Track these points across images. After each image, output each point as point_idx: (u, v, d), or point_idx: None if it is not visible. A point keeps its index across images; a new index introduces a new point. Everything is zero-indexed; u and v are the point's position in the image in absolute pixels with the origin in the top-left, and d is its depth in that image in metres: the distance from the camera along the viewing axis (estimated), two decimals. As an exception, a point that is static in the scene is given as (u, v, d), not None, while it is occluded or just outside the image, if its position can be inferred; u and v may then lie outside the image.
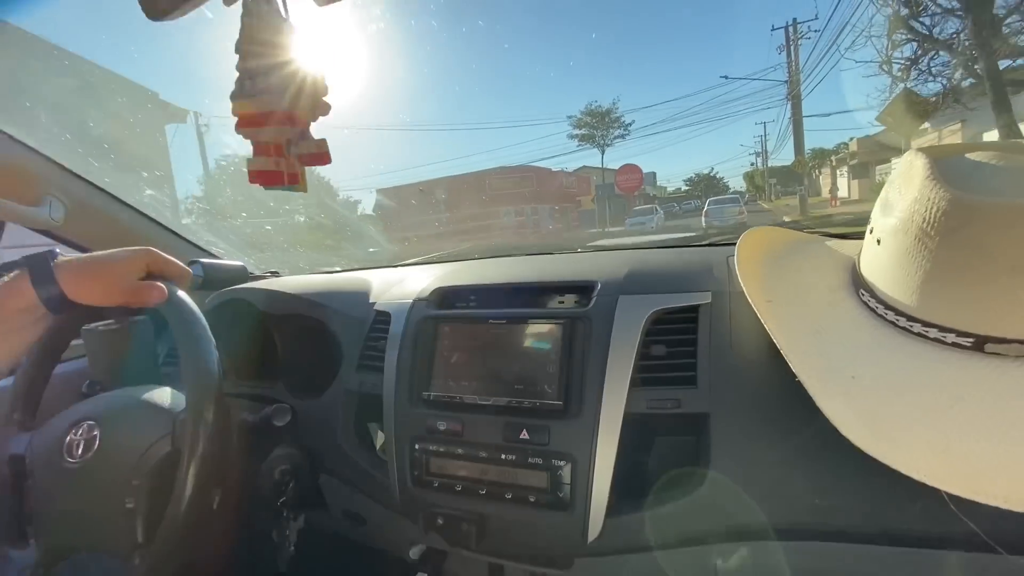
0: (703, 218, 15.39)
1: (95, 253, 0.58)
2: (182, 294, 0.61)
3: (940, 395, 0.44)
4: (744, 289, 0.56)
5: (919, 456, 0.42)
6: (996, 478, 0.39)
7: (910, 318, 0.49)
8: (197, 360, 0.57)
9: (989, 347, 0.45)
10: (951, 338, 0.46)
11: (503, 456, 0.63)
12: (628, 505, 0.58)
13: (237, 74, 0.47)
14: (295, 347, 0.92)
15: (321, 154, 0.50)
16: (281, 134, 0.48)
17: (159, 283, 0.59)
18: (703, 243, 0.91)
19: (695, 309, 0.63)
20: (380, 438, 0.81)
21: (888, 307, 0.51)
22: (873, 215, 0.56)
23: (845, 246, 0.68)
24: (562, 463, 0.59)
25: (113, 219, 0.98)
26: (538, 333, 0.67)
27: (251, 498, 0.79)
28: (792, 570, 0.56)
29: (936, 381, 0.45)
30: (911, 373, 0.47)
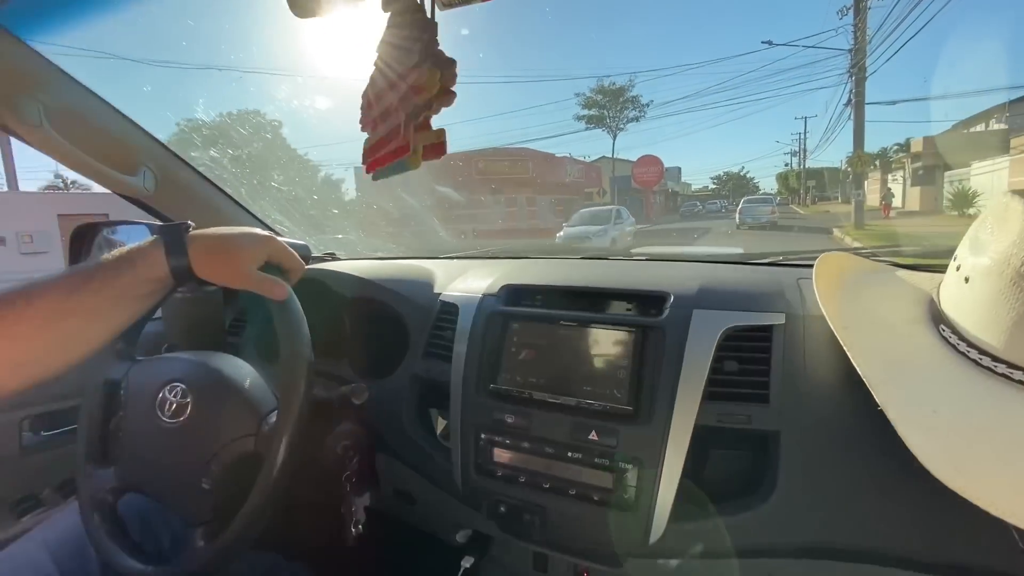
0: (737, 216, 16.27)
1: (224, 231, 0.61)
2: (298, 306, 0.64)
3: (1022, 436, 0.45)
4: (825, 315, 0.58)
5: (1000, 493, 0.43)
6: None
7: (995, 358, 0.50)
8: (294, 373, 0.61)
9: (1077, 394, 0.46)
10: (1038, 382, 0.47)
11: (569, 454, 0.65)
12: (691, 511, 0.61)
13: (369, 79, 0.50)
14: (363, 329, 0.96)
15: (440, 144, 0.52)
16: (404, 103, 0.49)
17: (281, 281, 0.62)
18: (766, 262, 0.92)
19: (769, 329, 0.65)
20: (441, 424, 0.84)
21: (972, 345, 0.52)
22: (960, 252, 0.57)
23: (918, 278, 0.68)
24: (629, 466, 0.62)
25: (196, 193, 1.03)
26: (610, 338, 0.69)
27: (313, 470, 0.83)
28: None
29: (1020, 422, 0.46)
30: (994, 412, 0.48)
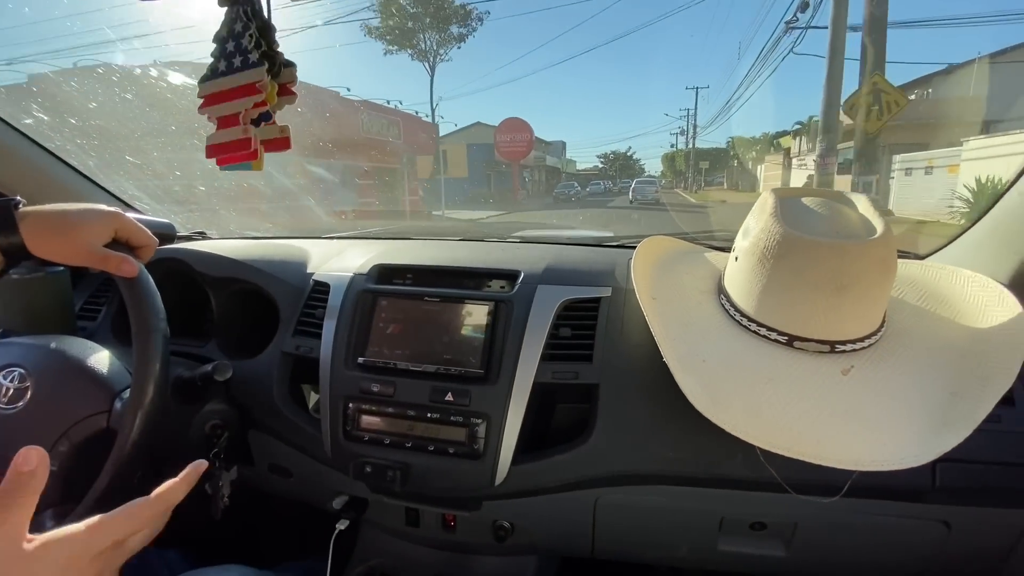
0: (631, 194, 19.92)
1: (63, 207, 0.59)
2: (150, 279, 0.62)
3: (758, 376, 0.60)
4: (635, 288, 0.70)
5: (739, 419, 0.57)
6: (783, 435, 0.55)
7: (749, 319, 0.65)
8: (147, 345, 0.60)
9: (796, 344, 0.62)
10: (773, 335, 0.63)
11: (428, 415, 0.73)
12: (530, 456, 0.71)
13: (213, 59, 0.52)
14: (230, 309, 0.95)
15: (284, 139, 0.56)
16: (249, 105, 0.53)
17: (130, 257, 0.61)
18: (614, 244, 1.06)
19: (598, 300, 0.77)
20: (313, 398, 0.88)
21: (736, 309, 0.67)
22: (737, 237, 0.72)
23: (719, 257, 0.84)
24: (479, 421, 0.71)
25: (33, 165, 0.94)
26: (467, 311, 0.77)
27: (180, 450, 0.83)
28: (650, 508, 0.72)
29: (757, 366, 0.61)
30: (743, 359, 0.62)
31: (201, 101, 0.58)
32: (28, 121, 0.93)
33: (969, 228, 0.79)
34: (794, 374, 0.60)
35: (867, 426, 0.55)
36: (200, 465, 0.48)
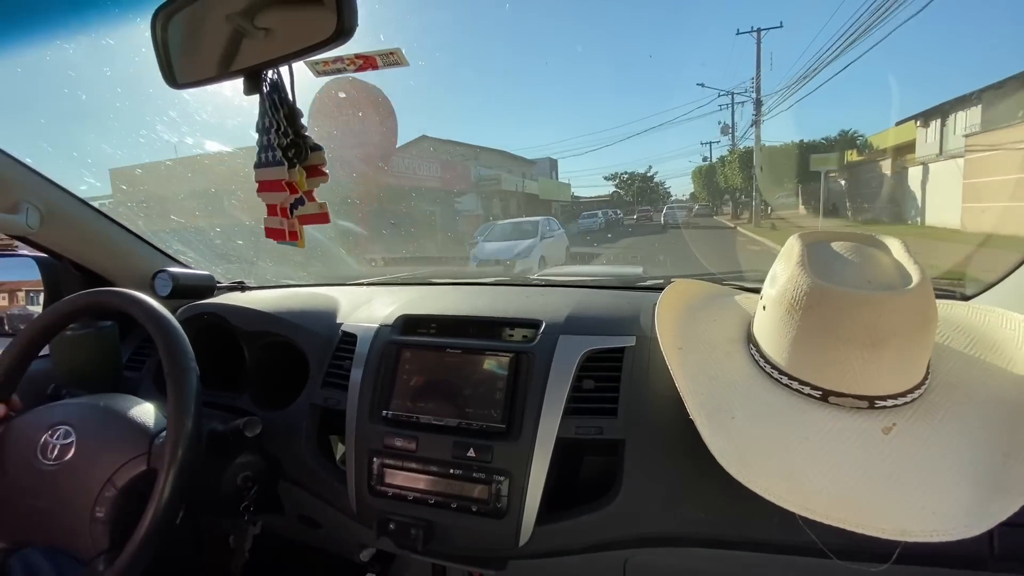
0: (662, 217, 21.13)
1: None
2: (179, 328, 0.66)
3: (792, 435, 0.57)
4: (659, 339, 0.68)
5: (772, 482, 0.54)
6: (821, 500, 0.52)
7: (781, 371, 0.62)
8: (181, 388, 0.64)
9: (832, 399, 0.58)
10: (806, 390, 0.60)
11: (451, 471, 0.72)
12: (555, 515, 0.69)
13: (257, 148, 0.56)
14: (262, 361, 0.98)
15: (322, 214, 0.60)
16: (284, 199, 0.57)
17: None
18: (642, 285, 1.04)
19: (621, 351, 0.75)
20: (340, 450, 0.89)
21: (767, 360, 0.64)
22: (764, 285, 0.69)
23: (750, 300, 0.81)
24: (501, 478, 0.70)
25: (86, 227, 1.01)
26: (489, 363, 0.77)
27: (212, 502, 0.85)
28: (683, 571, 0.68)
29: (790, 423, 0.58)
30: (774, 416, 0.60)
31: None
32: (83, 187, 1.00)
33: (1017, 267, 0.74)
34: (830, 433, 0.57)
35: (912, 493, 0.51)
36: None
